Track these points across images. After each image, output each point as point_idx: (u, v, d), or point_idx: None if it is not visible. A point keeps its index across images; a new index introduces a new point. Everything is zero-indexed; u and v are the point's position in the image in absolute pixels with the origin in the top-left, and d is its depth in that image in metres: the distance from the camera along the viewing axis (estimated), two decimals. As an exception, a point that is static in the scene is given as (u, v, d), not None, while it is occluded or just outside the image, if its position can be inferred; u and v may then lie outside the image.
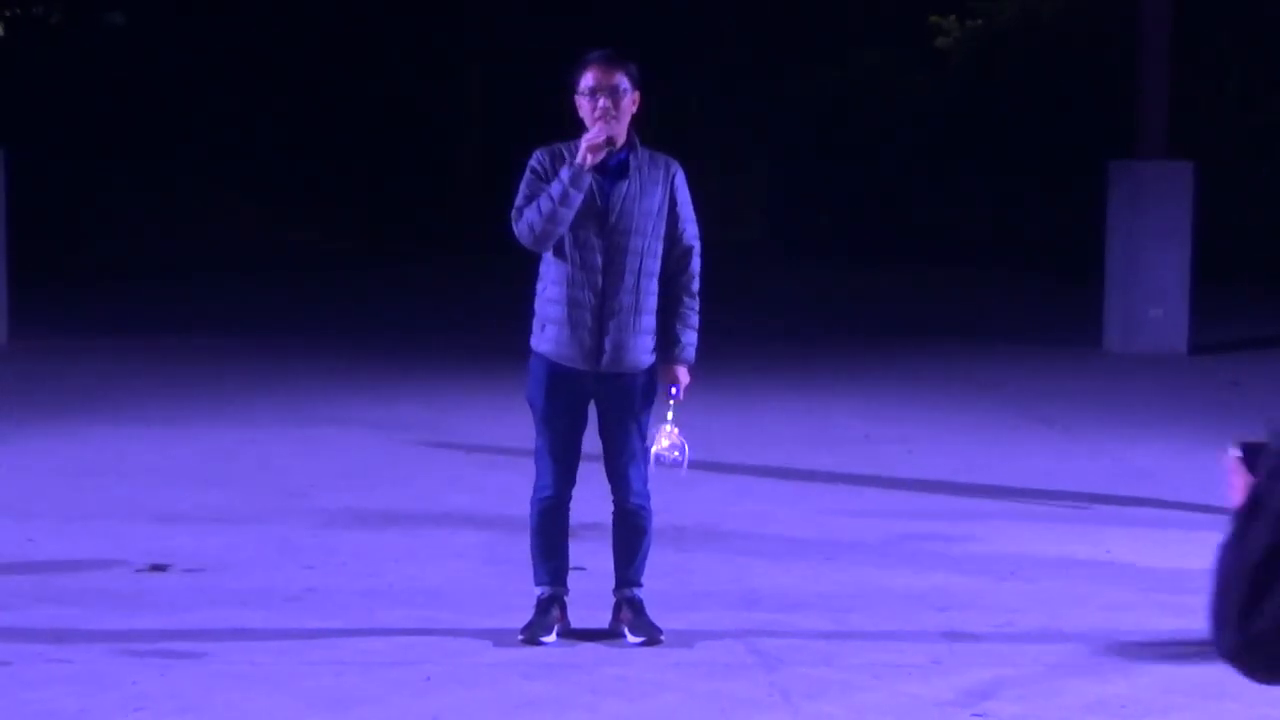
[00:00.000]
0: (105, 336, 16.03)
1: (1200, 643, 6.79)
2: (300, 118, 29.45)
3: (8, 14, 31.27)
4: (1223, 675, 6.30)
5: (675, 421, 6.69)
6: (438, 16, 29.85)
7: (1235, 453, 2.89)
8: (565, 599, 6.76)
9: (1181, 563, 8.06)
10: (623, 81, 6.57)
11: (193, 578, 7.60)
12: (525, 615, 6.71)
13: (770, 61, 28.58)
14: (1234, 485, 2.89)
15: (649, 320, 6.66)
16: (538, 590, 6.75)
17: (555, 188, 6.49)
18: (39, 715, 5.84)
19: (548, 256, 6.66)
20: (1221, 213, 20.98)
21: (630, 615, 6.72)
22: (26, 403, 12.20)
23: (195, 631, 6.79)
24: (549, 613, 6.70)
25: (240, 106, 28.19)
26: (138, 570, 7.68)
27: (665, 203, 6.67)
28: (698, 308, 6.78)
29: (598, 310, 6.58)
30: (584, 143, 6.49)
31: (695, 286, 6.76)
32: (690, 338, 6.74)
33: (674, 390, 6.71)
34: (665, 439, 6.65)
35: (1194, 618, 7.12)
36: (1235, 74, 24.96)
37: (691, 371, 6.81)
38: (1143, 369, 14.70)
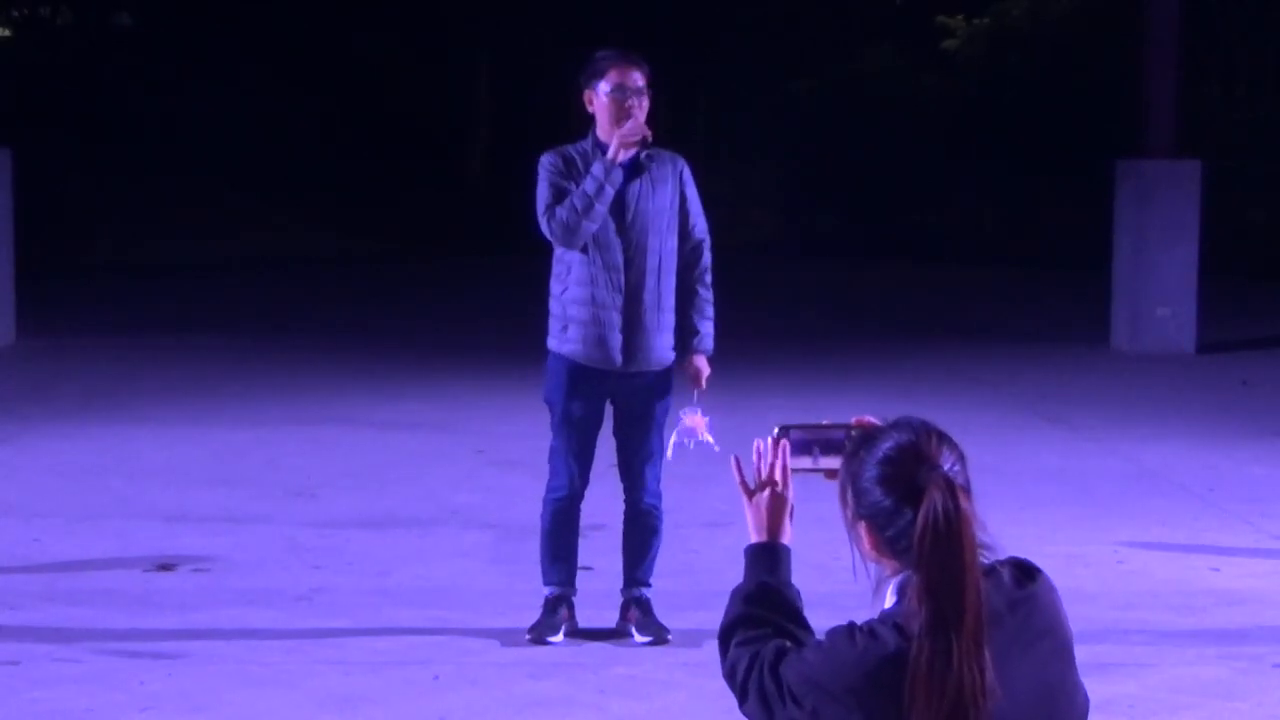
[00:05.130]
0: (113, 336, 16.04)
1: (1210, 642, 6.78)
2: (307, 120, 29.45)
3: (14, 15, 31.30)
4: (1232, 675, 6.31)
5: (698, 406, 6.73)
6: (448, 18, 29.81)
7: (780, 438, 3.17)
8: (573, 599, 6.76)
9: (1190, 561, 8.06)
10: (642, 81, 6.59)
11: (200, 577, 7.60)
12: (533, 614, 6.71)
13: (780, 60, 28.56)
14: (762, 464, 3.18)
15: (669, 317, 6.70)
16: (546, 590, 6.75)
17: (589, 183, 6.51)
18: (47, 715, 5.84)
19: (565, 257, 6.65)
20: (1229, 211, 20.97)
21: (638, 615, 6.72)
22: (34, 402, 12.21)
23: (203, 631, 6.79)
24: (556, 612, 6.70)
25: (247, 107, 28.20)
26: (145, 570, 7.68)
27: (676, 198, 6.70)
28: (712, 299, 6.83)
29: (623, 309, 6.60)
30: (618, 137, 6.50)
31: (709, 279, 6.83)
32: (708, 328, 6.80)
33: (699, 387, 6.77)
34: (689, 420, 6.67)
35: (1203, 617, 7.12)
36: (1243, 72, 24.95)
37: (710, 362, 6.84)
38: (1151, 367, 14.68)
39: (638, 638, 6.68)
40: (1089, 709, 3.11)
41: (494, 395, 12.61)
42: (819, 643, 3.02)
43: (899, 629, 2.92)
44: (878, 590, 3.03)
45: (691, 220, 6.76)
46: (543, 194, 6.59)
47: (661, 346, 6.69)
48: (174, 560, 7.83)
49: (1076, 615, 7.53)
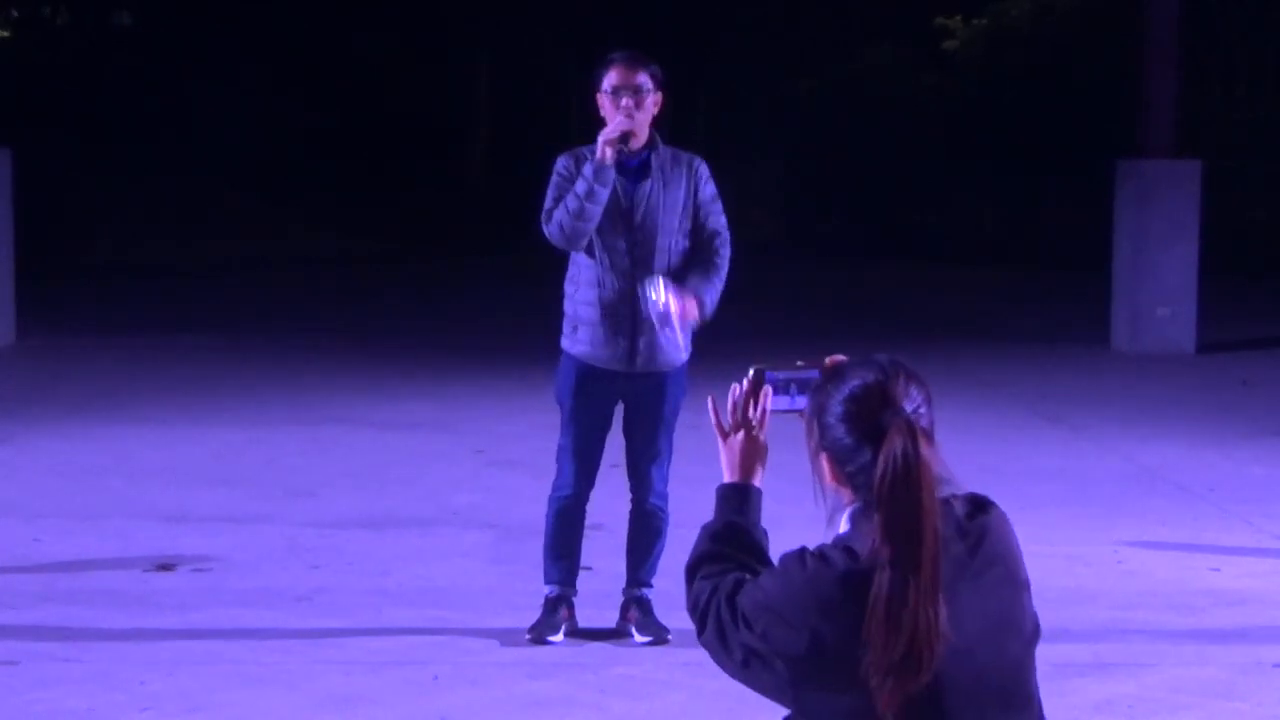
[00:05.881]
0: (112, 336, 16.04)
1: (1210, 642, 6.78)
2: (307, 119, 29.44)
3: (14, 15, 31.28)
4: (1231, 675, 6.30)
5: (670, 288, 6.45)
6: (448, 19, 29.81)
7: (755, 379, 3.35)
8: (573, 599, 6.75)
9: (1190, 561, 8.06)
10: (645, 81, 6.57)
11: (200, 577, 7.60)
12: (533, 614, 6.71)
13: (780, 60, 28.56)
14: (749, 408, 3.34)
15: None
16: (547, 589, 6.74)
17: (580, 185, 6.50)
18: (46, 715, 5.83)
19: (577, 259, 6.65)
20: (1229, 211, 20.97)
21: (638, 615, 6.72)
22: (34, 402, 12.21)
23: (202, 631, 6.78)
24: (556, 612, 6.69)
25: (247, 107, 28.20)
26: (145, 570, 7.68)
27: (689, 200, 6.65)
28: (724, 273, 6.58)
29: (630, 311, 6.58)
30: (600, 138, 6.49)
31: (723, 258, 6.58)
32: (706, 289, 6.50)
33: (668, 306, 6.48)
34: (656, 293, 6.41)
35: (1203, 617, 7.12)
36: (1242, 72, 24.94)
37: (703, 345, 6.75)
38: (1151, 367, 14.69)
39: (638, 638, 6.68)
40: (1039, 637, 3.17)
41: (494, 395, 12.61)
42: (772, 569, 3.11)
43: (849, 552, 2.99)
44: (832, 519, 3.12)
45: (703, 217, 6.66)
46: (547, 198, 6.60)
47: (671, 347, 6.66)
48: (174, 560, 7.83)
49: (1076, 615, 7.54)
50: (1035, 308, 19.31)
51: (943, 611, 2.94)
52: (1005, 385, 13.62)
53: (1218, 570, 7.89)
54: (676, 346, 6.62)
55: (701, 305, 6.52)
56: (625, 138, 6.52)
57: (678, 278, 6.56)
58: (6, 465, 10.00)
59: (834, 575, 2.98)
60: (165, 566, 7.74)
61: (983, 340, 16.35)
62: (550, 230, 6.57)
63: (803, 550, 3.05)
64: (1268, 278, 21.17)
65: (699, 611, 3.19)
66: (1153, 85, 15.86)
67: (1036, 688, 3.15)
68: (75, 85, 28.44)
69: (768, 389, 3.30)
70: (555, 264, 6.85)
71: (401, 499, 9.23)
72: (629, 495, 6.80)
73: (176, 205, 26.13)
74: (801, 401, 3.26)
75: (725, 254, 6.65)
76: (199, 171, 26.76)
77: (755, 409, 3.32)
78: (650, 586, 6.78)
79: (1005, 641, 3.09)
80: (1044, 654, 6.90)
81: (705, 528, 3.32)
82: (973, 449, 10.78)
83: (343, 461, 10.25)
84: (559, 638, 6.65)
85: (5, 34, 31.66)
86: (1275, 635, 6.87)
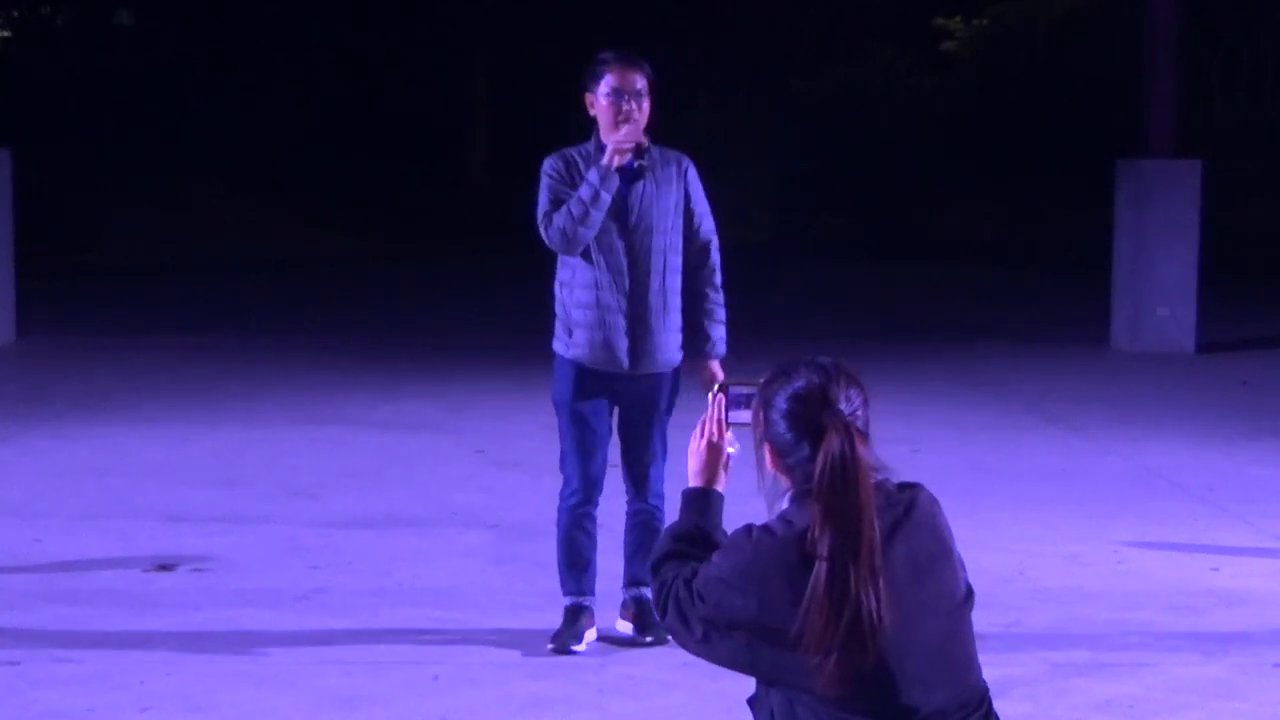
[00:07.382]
0: (112, 336, 16.04)
1: (1210, 642, 6.78)
2: (307, 121, 29.45)
3: (14, 14, 31.28)
4: (1231, 675, 6.30)
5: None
6: (447, 19, 29.80)
7: (719, 394, 3.67)
8: (593, 607, 6.71)
9: (1189, 562, 8.06)
10: (644, 84, 6.55)
11: (200, 577, 7.60)
12: (533, 615, 6.71)
13: (780, 60, 28.56)
14: (713, 420, 3.66)
15: (676, 318, 6.66)
16: (566, 600, 6.69)
17: (585, 190, 6.47)
18: (46, 715, 5.84)
19: (570, 261, 6.62)
20: (1229, 211, 20.98)
21: (638, 614, 6.71)
22: (34, 402, 12.21)
23: (202, 631, 6.78)
24: (578, 621, 6.64)
25: (247, 108, 28.20)
26: (145, 570, 7.68)
27: (681, 199, 6.66)
28: (723, 300, 6.79)
29: (628, 312, 6.57)
30: (611, 144, 6.46)
31: (718, 280, 6.77)
32: (719, 333, 6.75)
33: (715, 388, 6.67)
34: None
35: (1203, 617, 7.12)
36: (1243, 72, 24.95)
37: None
38: (1150, 367, 14.69)
39: (638, 638, 6.68)
40: (972, 601, 3.41)
41: (494, 395, 12.61)
42: (723, 548, 3.43)
43: (789, 524, 3.32)
44: (773, 503, 3.43)
45: (697, 220, 6.70)
46: (541, 200, 6.56)
47: (668, 347, 6.66)
48: (174, 560, 7.83)
49: (1076, 615, 7.54)
50: (1035, 308, 19.31)
51: (884, 594, 3.19)
52: (1005, 385, 13.62)
53: (1218, 570, 7.89)
54: (677, 349, 6.64)
55: (720, 359, 6.74)
56: (639, 150, 6.51)
57: (688, 320, 6.67)
58: (6, 465, 10.00)
59: (777, 544, 3.27)
60: (165, 566, 7.74)
61: (982, 340, 16.35)
62: (550, 235, 6.54)
63: (749, 526, 3.35)
64: (1268, 278, 21.18)
65: (661, 599, 3.49)
66: (1153, 85, 15.87)
67: (974, 650, 3.39)
68: (75, 85, 28.44)
69: (721, 400, 3.62)
70: (553, 264, 6.85)
71: (401, 499, 9.23)
72: (625, 495, 6.80)
73: (176, 205, 26.13)
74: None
75: (718, 275, 6.76)
76: (197, 172, 26.76)
77: (714, 421, 3.63)
78: (649, 586, 6.76)
79: (938, 603, 3.31)
80: (1044, 654, 6.91)
81: (669, 528, 3.65)
82: (973, 449, 10.79)
83: (343, 461, 10.25)
84: (582, 647, 6.60)
85: (5, 34, 31.67)
86: (1275, 635, 6.87)
